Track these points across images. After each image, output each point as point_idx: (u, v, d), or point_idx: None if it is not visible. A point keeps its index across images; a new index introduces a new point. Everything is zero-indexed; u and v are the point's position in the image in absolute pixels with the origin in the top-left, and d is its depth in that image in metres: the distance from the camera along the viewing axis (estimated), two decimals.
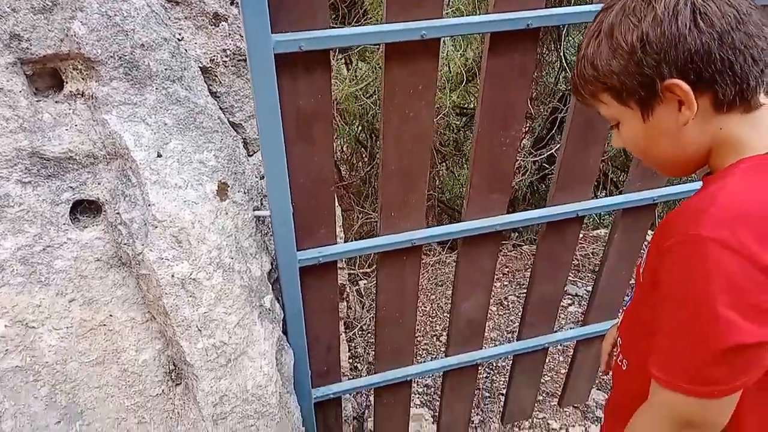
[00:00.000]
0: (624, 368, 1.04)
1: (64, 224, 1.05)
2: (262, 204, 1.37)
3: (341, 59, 3.88)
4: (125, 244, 1.08)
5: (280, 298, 1.44)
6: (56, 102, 1.03)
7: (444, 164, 4.26)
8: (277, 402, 1.27)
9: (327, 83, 1.20)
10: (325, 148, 1.28)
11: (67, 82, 1.04)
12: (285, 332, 1.50)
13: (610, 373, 1.15)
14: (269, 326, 1.27)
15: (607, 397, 2.53)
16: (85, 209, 1.11)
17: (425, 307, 3.10)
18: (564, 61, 3.58)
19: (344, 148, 4.22)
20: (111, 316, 1.08)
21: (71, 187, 1.06)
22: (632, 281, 1.35)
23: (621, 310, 1.12)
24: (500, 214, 1.55)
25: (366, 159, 4.13)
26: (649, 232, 2.12)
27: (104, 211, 1.10)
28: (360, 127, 3.85)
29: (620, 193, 1.71)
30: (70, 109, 1.05)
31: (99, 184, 1.08)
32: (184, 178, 1.10)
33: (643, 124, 0.80)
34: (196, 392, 1.14)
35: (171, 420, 1.18)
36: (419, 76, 1.25)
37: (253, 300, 1.21)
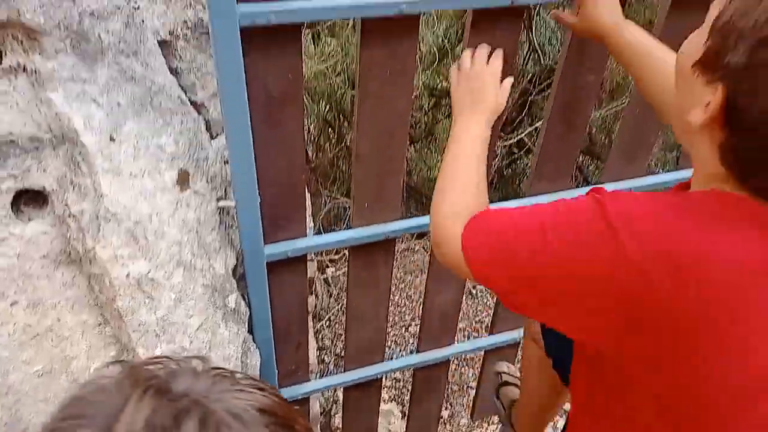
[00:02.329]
0: None
1: (5, 217, 0.93)
2: (226, 193, 1.26)
3: (308, 34, 3.72)
4: (74, 239, 0.96)
5: (245, 296, 1.34)
6: None
7: (413, 146, 4.17)
8: None
9: (298, 60, 1.09)
10: (295, 131, 1.17)
11: (6, 55, 0.91)
12: (251, 331, 1.40)
13: None
14: (234, 328, 1.18)
15: None
16: (29, 200, 0.99)
17: (393, 296, 3.04)
18: (534, 41, 3.52)
19: (311, 129, 4.07)
20: (59, 320, 0.97)
21: (13, 175, 0.93)
22: None
23: None
24: None
25: (334, 140, 3.99)
26: None
27: (51, 201, 0.98)
28: (328, 107, 3.71)
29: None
30: (10, 86, 0.92)
31: (45, 171, 0.96)
32: (141, 165, 0.98)
33: None
34: None
35: None
36: (397, 58, 1.16)
37: (216, 300, 1.12)
